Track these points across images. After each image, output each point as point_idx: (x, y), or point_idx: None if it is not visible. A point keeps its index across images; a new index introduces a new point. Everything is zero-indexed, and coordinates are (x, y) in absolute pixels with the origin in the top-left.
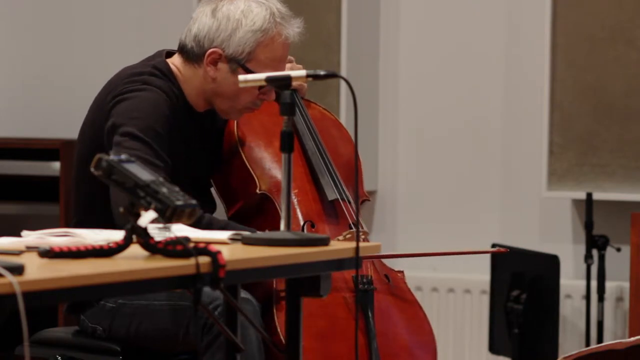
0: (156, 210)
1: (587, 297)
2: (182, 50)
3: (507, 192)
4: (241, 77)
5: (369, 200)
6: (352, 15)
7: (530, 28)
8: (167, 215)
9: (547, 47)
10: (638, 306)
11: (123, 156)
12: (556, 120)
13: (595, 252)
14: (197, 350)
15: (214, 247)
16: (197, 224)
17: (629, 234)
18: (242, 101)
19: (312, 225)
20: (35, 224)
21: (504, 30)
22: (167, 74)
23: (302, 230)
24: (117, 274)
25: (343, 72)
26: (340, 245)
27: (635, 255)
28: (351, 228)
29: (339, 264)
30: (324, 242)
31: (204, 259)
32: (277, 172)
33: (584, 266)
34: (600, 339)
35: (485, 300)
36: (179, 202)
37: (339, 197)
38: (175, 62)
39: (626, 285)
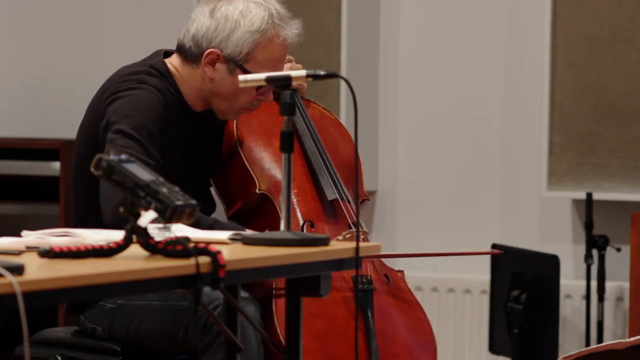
0: (156, 210)
1: (587, 297)
2: (181, 50)
3: (507, 192)
4: (241, 77)
5: (368, 199)
6: (352, 15)
7: (530, 28)
8: (167, 215)
9: (547, 47)
10: (638, 306)
11: (123, 156)
12: (556, 120)
13: (595, 252)
14: (197, 350)
15: (214, 247)
16: None
17: (629, 234)
18: (239, 102)
19: (312, 225)
20: (35, 224)
21: (504, 30)
22: (164, 74)
23: (302, 230)
24: (117, 274)
25: (343, 72)
26: (340, 245)
27: (635, 255)
28: (351, 228)
29: (339, 264)
30: (324, 242)
31: (204, 259)
32: (277, 172)
33: (584, 266)
34: (600, 339)
35: (485, 300)
36: (179, 202)
37: (338, 196)
38: (173, 62)
39: (626, 285)
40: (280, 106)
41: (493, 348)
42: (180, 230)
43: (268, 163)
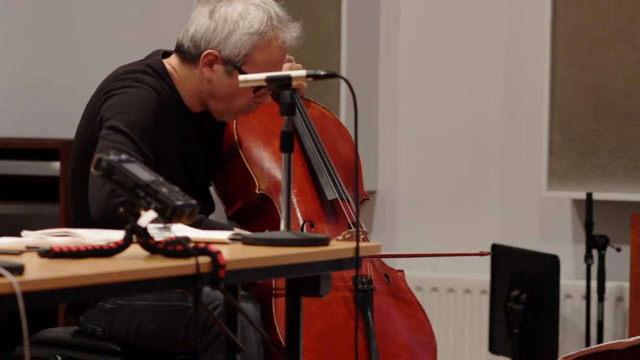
0: (156, 210)
1: (587, 297)
2: (179, 50)
3: (507, 192)
4: (241, 77)
5: (368, 199)
6: (352, 15)
7: (530, 28)
8: (167, 215)
9: (547, 47)
10: (638, 306)
11: (123, 156)
12: (556, 120)
13: (595, 252)
14: (197, 350)
15: (214, 247)
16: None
17: (629, 234)
18: (237, 103)
19: (312, 225)
20: (35, 224)
21: (504, 30)
22: (161, 73)
23: (302, 230)
24: (117, 274)
25: (343, 72)
26: (340, 245)
27: (635, 255)
28: (350, 228)
29: (339, 264)
30: (324, 242)
31: (204, 259)
32: (277, 172)
33: (584, 266)
34: (600, 339)
35: (485, 300)
36: (179, 202)
37: (338, 196)
38: (171, 62)
39: (626, 285)
40: (280, 106)
41: (493, 348)
42: (180, 230)
43: (268, 163)
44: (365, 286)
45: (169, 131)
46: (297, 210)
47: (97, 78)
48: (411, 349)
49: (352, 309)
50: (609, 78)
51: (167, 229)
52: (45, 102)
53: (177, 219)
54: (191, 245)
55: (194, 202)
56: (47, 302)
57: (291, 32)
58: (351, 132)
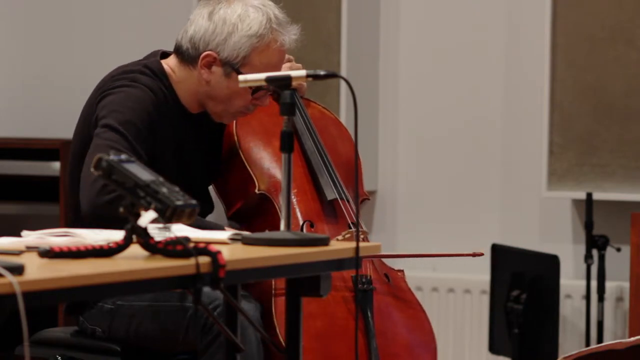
0: (156, 210)
1: (587, 297)
2: (178, 51)
3: (507, 192)
4: (241, 77)
5: (368, 199)
6: (352, 15)
7: (530, 28)
8: (167, 215)
9: (547, 47)
10: (638, 306)
11: (123, 156)
12: (556, 120)
13: (595, 252)
14: (197, 350)
15: (214, 247)
16: None
17: (629, 234)
18: (234, 105)
19: (312, 225)
20: (35, 224)
21: (504, 30)
22: (158, 74)
23: (302, 230)
24: (117, 274)
25: (343, 72)
26: (340, 245)
27: (635, 255)
28: (350, 228)
29: (339, 264)
30: (324, 242)
31: (204, 259)
32: (276, 172)
33: (584, 266)
34: (600, 339)
35: (485, 300)
36: (179, 202)
37: (338, 196)
38: (170, 63)
39: (626, 285)
40: (280, 106)
41: (493, 348)
42: (180, 230)
43: (268, 163)
44: (365, 286)
45: (165, 131)
46: (297, 210)
47: (97, 78)
48: (411, 348)
49: (352, 309)
50: (609, 78)
51: (167, 229)
52: (45, 102)
53: (177, 219)
54: (191, 245)
55: (194, 202)
56: (47, 302)
57: (290, 35)
58: (351, 132)
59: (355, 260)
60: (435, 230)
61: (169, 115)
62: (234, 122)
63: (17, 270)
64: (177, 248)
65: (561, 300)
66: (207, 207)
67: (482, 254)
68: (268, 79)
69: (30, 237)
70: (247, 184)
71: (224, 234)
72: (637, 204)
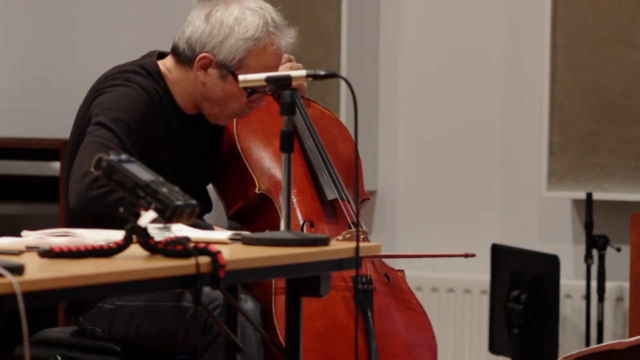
0: (156, 210)
1: (587, 297)
2: (175, 52)
3: (507, 192)
4: (241, 77)
5: (369, 199)
6: (352, 15)
7: (530, 28)
8: (167, 215)
9: (547, 47)
10: (638, 306)
11: (123, 156)
12: (556, 120)
13: (595, 252)
14: (197, 350)
15: (214, 247)
16: None
17: (629, 234)
18: (230, 107)
19: (312, 225)
20: (35, 224)
21: (504, 30)
22: (153, 74)
23: (302, 230)
24: (117, 274)
25: (343, 72)
26: (340, 245)
27: (635, 255)
28: (350, 227)
29: (339, 264)
30: (324, 242)
31: (204, 259)
32: (277, 172)
33: (584, 266)
34: (600, 339)
35: (485, 300)
36: (179, 202)
37: (338, 196)
38: (166, 63)
39: (626, 285)
40: (280, 106)
41: (493, 348)
42: (180, 230)
43: (268, 163)
44: (365, 286)
45: (159, 131)
46: (297, 210)
47: (97, 78)
48: (411, 348)
49: (352, 309)
50: (609, 78)
51: (167, 229)
52: (45, 102)
53: (177, 219)
54: (191, 245)
55: (194, 202)
56: (47, 302)
57: (287, 38)
58: (351, 132)
59: (355, 260)
60: (435, 230)
61: (163, 115)
62: (234, 122)
63: (17, 270)
64: (177, 248)
65: (561, 300)
66: (205, 206)
67: (474, 255)
68: (268, 79)
69: (30, 237)
70: (247, 184)
71: (224, 234)
72: (637, 204)
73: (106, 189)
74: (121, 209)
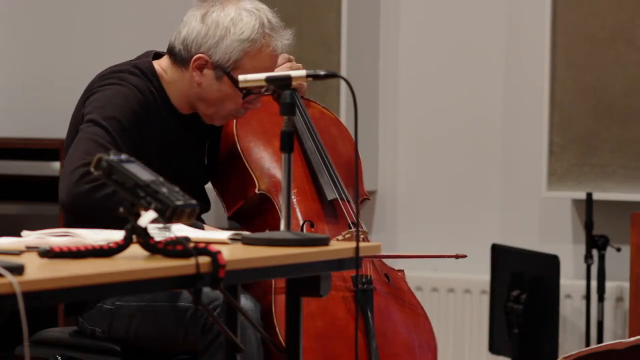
0: (156, 210)
1: (587, 297)
2: (171, 52)
3: (507, 192)
4: (241, 77)
5: (368, 199)
6: (352, 15)
7: (530, 28)
8: (167, 215)
9: (547, 47)
10: (638, 306)
11: (123, 156)
12: (556, 120)
13: (595, 252)
14: (197, 350)
15: (214, 247)
16: None
17: (629, 234)
18: (225, 108)
19: (312, 225)
20: (35, 224)
21: (504, 30)
22: (148, 74)
23: (302, 230)
24: (117, 274)
25: (343, 72)
26: (340, 245)
27: (635, 255)
28: (350, 227)
29: (339, 264)
30: (324, 242)
31: (204, 259)
32: (276, 172)
33: (584, 266)
34: (600, 339)
35: (485, 300)
36: (179, 202)
37: (338, 196)
38: (162, 63)
39: (626, 285)
40: (280, 106)
41: (493, 348)
42: (180, 230)
43: (268, 163)
44: (365, 286)
45: (153, 131)
46: (297, 210)
47: None
48: (411, 348)
49: (352, 309)
50: (609, 78)
51: (167, 229)
52: (45, 102)
53: (177, 219)
54: (191, 245)
55: (194, 202)
56: (47, 302)
57: (283, 40)
58: (351, 132)
59: (355, 260)
60: (435, 230)
61: (157, 115)
62: (234, 122)
63: (17, 270)
64: (177, 248)
65: (561, 300)
66: (203, 206)
67: (465, 256)
68: (268, 79)
69: (30, 237)
70: (247, 184)
71: (224, 234)
72: (637, 204)
73: (95, 183)
74: (121, 209)
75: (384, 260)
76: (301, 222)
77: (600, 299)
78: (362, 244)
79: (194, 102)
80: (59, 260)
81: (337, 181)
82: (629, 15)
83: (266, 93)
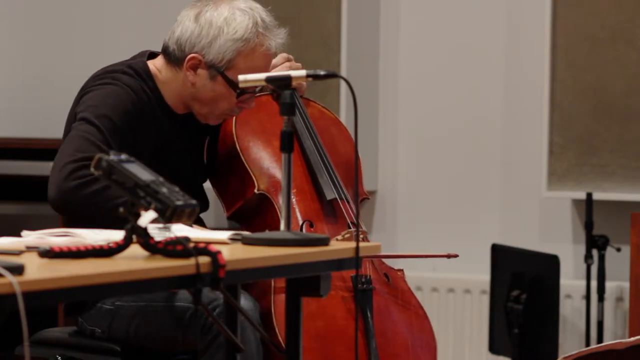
0: (156, 210)
1: (587, 297)
2: (165, 52)
3: (507, 192)
4: (241, 77)
5: (368, 198)
6: (352, 15)
7: (530, 28)
8: (167, 215)
9: (547, 47)
10: (638, 306)
11: (123, 156)
12: (556, 120)
13: (595, 252)
14: (197, 350)
15: (214, 247)
16: None
17: (629, 234)
18: (220, 107)
19: (311, 225)
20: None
21: (504, 30)
22: (142, 74)
23: (301, 230)
24: (117, 274)
25: (343, 72)
26: (340, 245)
27: (635, 255)
28: (350, 227)
29: (339, 264)
30: (324, 242)
31: (204, 259)
32: (276, 172)
33: (584, 266)
34: (600, 339)
35: (485, 300)
36: (179, 202)
37: (337, 196)
38: (157, 63)
39: (626, 285)
40: (280, 106)
41: (493, 348)
42: (180, 230)
43: (267, 163)
44: (365, 286)
45: (147, 131)
46: (297, 210)
47: None
48: (411, 348)
49: (351, 309)
50: (609, 78)
51: (167, 229)
52: (45, 102)
53: (177, 219)
54: (191, 245)
55: (194, 202)
56: (47, 302)
57: (277, 39)
58: (351, 132)
59: (355, 260)
60: (435, 230)
61: (151, 115)
62: (233, 122)
63: (17, 270)
64: (177, 248)
65: (561, 300)
66: (201, 206)
67: (456, 256)
68: (268, 79)
69: (30, 237)
70: (247, 184)
71: (224, 234)
72: (637, 204)
73: (84, 180)
74: (121, 209)
75: (384, 259)
76: (300, 222)
77: (600, 299)
78: (362, 244)
79: (188, 101)
80: (59, 260)
81: (336, 181)
82: (629, 15)
83: (260, 93)
